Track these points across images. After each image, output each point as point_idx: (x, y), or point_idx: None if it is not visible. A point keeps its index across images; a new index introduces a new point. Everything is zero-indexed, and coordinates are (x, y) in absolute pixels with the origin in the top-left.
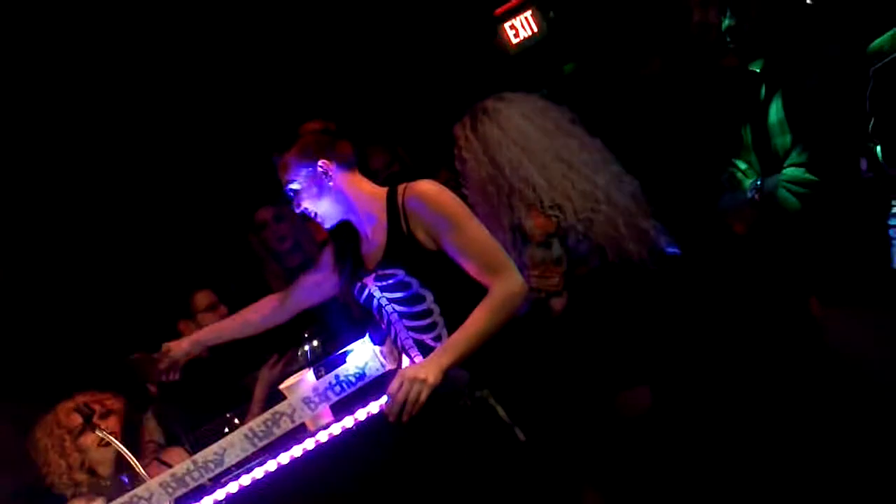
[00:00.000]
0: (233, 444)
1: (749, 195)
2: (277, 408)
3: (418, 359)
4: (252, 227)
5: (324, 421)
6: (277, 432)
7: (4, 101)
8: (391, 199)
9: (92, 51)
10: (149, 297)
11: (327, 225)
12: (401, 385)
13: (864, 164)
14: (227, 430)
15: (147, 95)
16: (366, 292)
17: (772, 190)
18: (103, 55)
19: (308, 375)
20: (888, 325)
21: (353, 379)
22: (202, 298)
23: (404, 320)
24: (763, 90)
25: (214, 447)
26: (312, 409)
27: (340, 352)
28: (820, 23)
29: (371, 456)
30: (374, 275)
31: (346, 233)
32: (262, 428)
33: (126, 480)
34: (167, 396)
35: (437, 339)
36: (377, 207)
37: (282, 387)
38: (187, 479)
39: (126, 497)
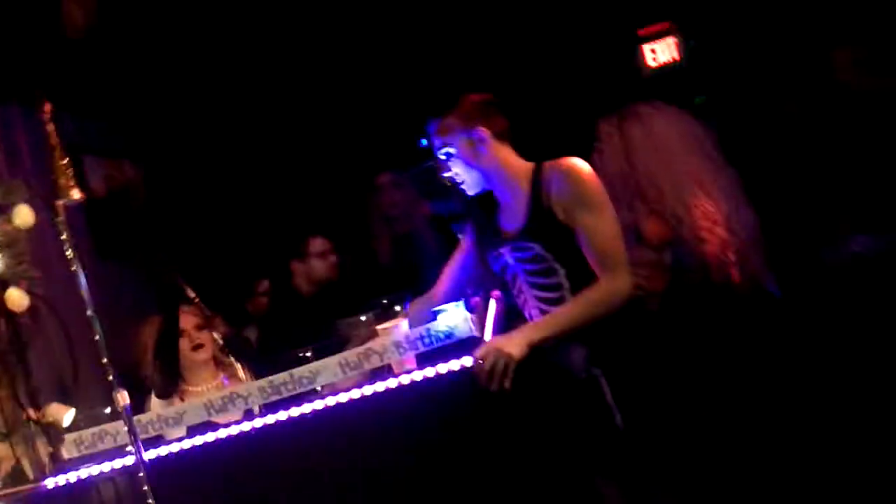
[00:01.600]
0: (327, 368)
1: (855, 249)
2: (371, 345)
3: None
4: (371, 189)
5: (408, 366)
6: (367, 366)
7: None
8: (537, 174)
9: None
10: (272, 235)
11: (471, 192)
12: (487, 354)
13: None
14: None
15: (296, 63)
16: (501, 261)
17: (881, 248)
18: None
19: (403, 324)
20: None
21: (441, 336)
22: (317, 245)
23: (535, 290)
24: None
25: (311, 366)
26: (401, 354)
27: (435, 309)
28: None
29: (446, 408)
30: (511, 245)
31: (485, 203)
32: (355, 359)
33: (226, 381)
34: (269, 321)
35: None
36: (523, 181)
37: (378, 328)
38: (282, 388)
39: (227, 391)
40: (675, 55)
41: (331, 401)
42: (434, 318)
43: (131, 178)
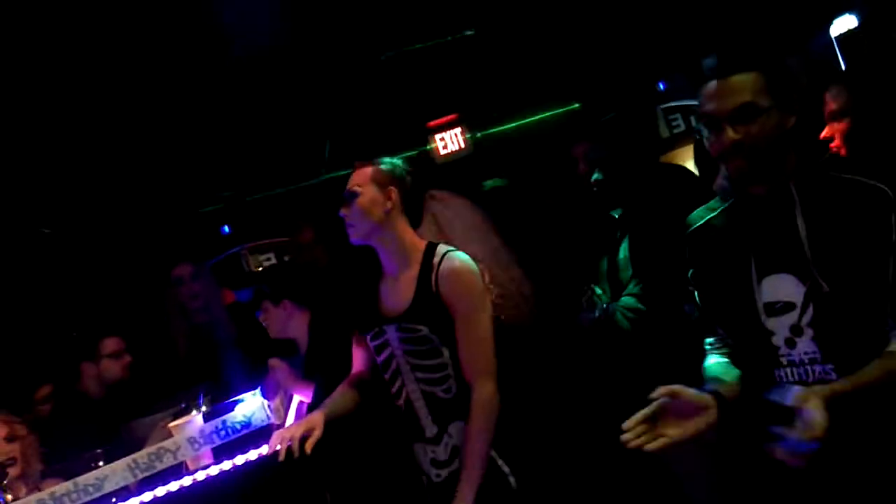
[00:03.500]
0: (114, 472)
1: (597, 315)
2: (163, 443)
3: (423, 411)
4: (168, 282)
5: (205, 462)
6: (159, 466)
7: None
8: (428, 254)
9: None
10: (58, 334)
11: (356, 238)
12: None
13: (687, 307)
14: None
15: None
16: (382, 339)
17: (612, 313)
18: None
19: (197, 418)
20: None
21: (238, 426)
22: (110, 344)
23: (417, 372)
24: (619, 233)
25: (97, 472)
26: (196, 450)
27: (231, 400)
28: (665, 190)
29: (247, 499)
30: (396, 325)
31: (364, 273)
32: (145, 460)
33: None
34: (53, 429)
35: (447, 391)
36: (413, 258)
37: (170, 425)
38: (65, 499)
39: None
40: (461, 145)
41: None
42: (232, 409)
43: None
